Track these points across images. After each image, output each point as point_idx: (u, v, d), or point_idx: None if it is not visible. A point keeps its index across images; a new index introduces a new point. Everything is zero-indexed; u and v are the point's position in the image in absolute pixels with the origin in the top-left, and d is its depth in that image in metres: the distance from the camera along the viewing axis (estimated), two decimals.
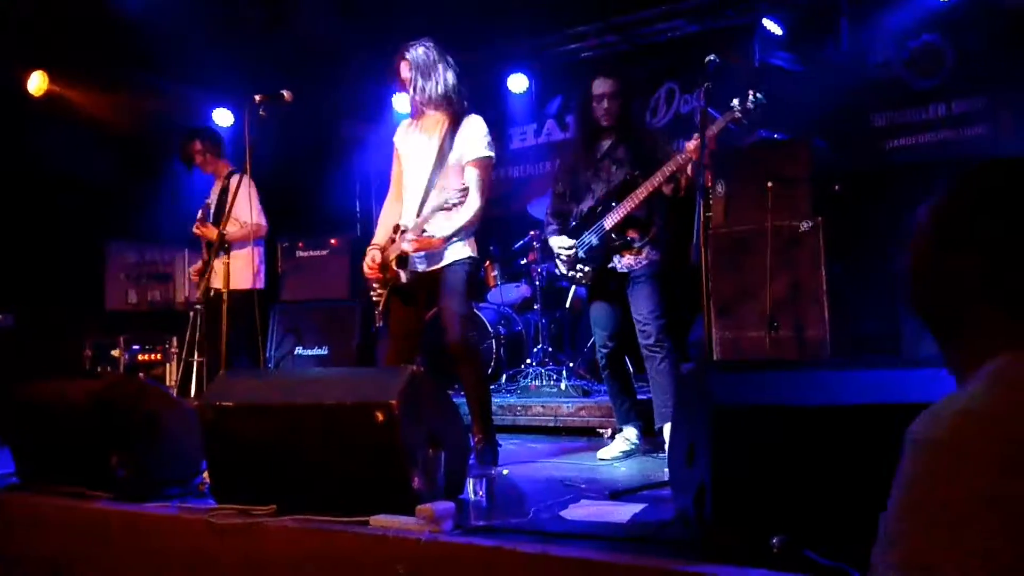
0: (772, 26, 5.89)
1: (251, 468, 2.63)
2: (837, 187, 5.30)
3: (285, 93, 3.63)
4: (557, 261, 4.03)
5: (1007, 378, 0.95)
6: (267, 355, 5.65)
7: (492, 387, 5.60)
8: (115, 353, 6.21)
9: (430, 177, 3.56)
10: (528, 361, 5.64)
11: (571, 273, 3.95)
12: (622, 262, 3.81)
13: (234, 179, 4.72)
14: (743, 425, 2.01)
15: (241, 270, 4.77)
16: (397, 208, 3.73)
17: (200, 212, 5.08)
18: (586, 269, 3.87)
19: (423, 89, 3.55)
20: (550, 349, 5.64)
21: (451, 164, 3.56)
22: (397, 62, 3.61)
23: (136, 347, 6.33)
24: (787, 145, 5.16)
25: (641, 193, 3.68)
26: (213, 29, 6.03)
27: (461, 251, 3.58)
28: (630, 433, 3.88)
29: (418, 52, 3.57)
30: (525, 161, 7.40)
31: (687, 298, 4.12)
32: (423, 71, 3.55)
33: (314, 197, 7.28)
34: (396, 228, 3.61)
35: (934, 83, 5.59)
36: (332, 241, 6.55)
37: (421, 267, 3.59)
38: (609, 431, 4.42)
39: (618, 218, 3.76)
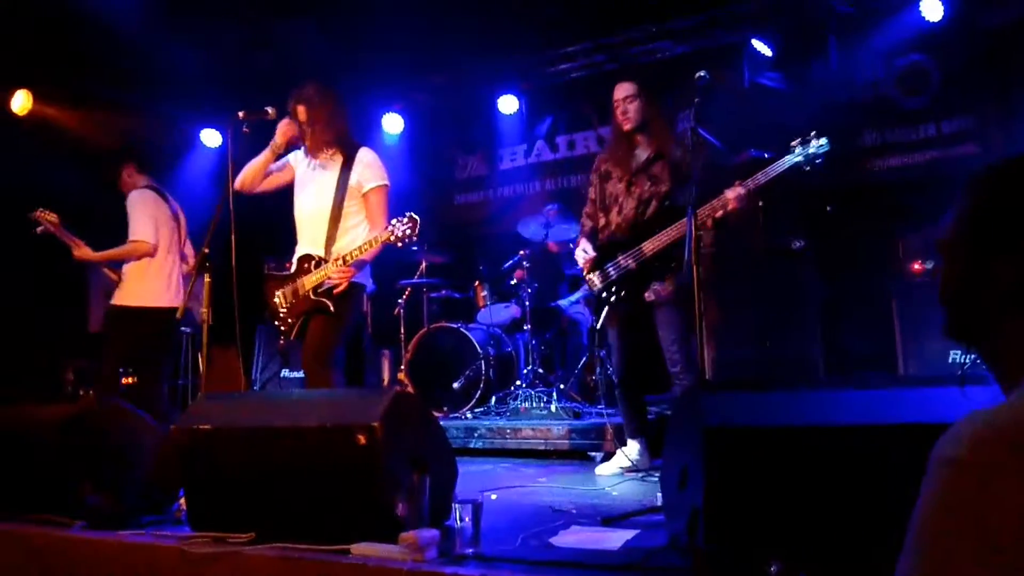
0: (761, 46, 5.90)
1: (229, 494, 2.54)
2: (829, 207, 5.29)
3: (269, 109, 3.58)
4: (590, 276, 3.93)
5: None
6: (253, 377, 5.55)
7: (481, 409, 5.54)
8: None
9: (332, 208, 3.64)
10: (518, 383, 5.56)
11: (604, 295, 3.87)
12: (654, 289, 3.75)
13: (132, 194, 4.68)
14: (736, 447, 1.94)
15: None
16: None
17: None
18: (622, 293, 3.80)
19: (321, 131, 3.66)
20: (540, 370, 5.57)
21: (350, 195, 3.65)
22: (292, 106, 3.70)
23: (120, 370, 6.20)
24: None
25: (678, 228, 3.62)
26: (200, 49, 6.00)
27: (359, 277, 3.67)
28: (632, 449, 3.85)
29: (312, 94, 3.67)
30: (515, 181, 7.37)
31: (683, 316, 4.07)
32: (319, 113, 3.65)
33: None
34: (306, 258, 3.68)
35: (922, 102, 5.60)
36: None
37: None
38: (601, 454, 4.33)
39: (659, 245, 3.69)
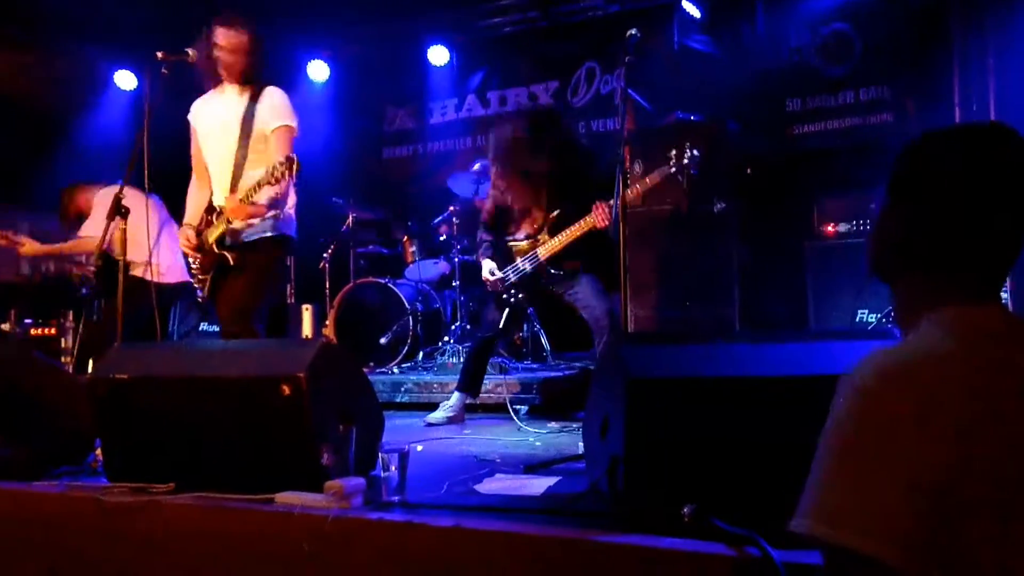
0: (691, 8, 5.96)
1: (148, 445, 2.49)
2: (749, 170, 5.43)
3: (190, 51, 3.44)
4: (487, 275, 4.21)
5: (954, 329, 1.00)
6: (170, 330, 5.40)
7: (408, 364, 5.54)
8: (5, 327, 5.84)
9: (236, 151, 3.49)
10: (446, 339, 5.57)
11: (505, 296, 4.16)
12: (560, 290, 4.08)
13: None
14: (656, 397, 2.01)
15: None
16: (204, 190, 3.65)
17: None
18: (519, 296, 4.13)
19: (238, 61, 3.49)
20: (468, 327, 5.59)
21: (256, 135, 3.48)
22: (212, 30, 3.51)
23: (28, 321, 5.96)
24: (702, 127, 5.24)
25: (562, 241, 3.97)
26: None
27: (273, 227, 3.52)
28: (454, 399, 4.16)
29: (236, 21, 3.52)
30: (446, 136, 7.30)
31: (604, 275, 4.17)
32: (240, 40, 3.49)
33: None
34: (211, 210, 3.54)
35: (844, 70, 5.77)
36: None
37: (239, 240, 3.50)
38: (526, 407, 4.42)
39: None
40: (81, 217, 4.81)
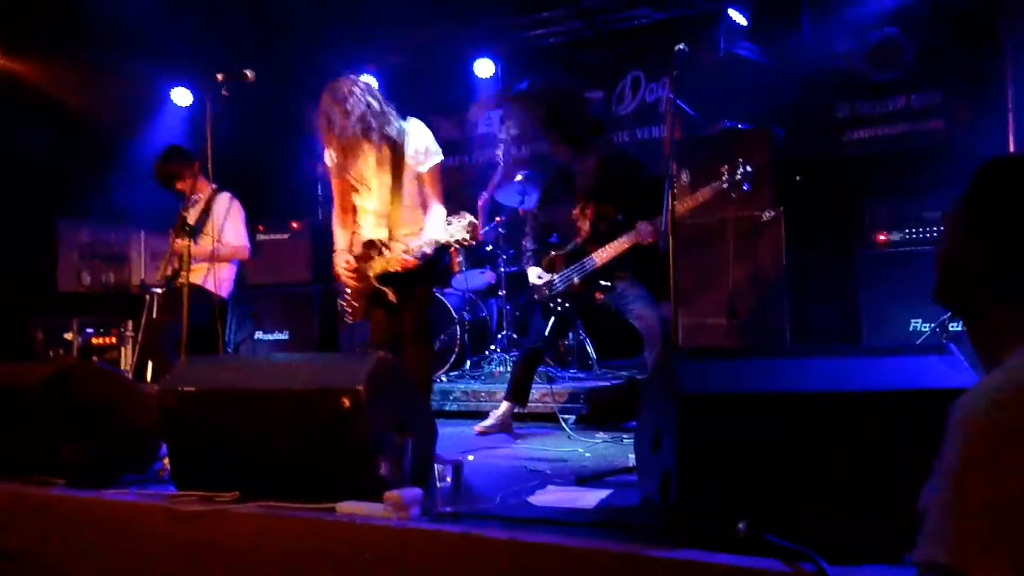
0: (737, 16, 5.93)
1: (213, 454, 2.59)
2: (799, 177, 5.39)
3: (248, 72, 3.56)
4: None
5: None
6: (226, 339, 5.55)
7: (456, 373, 5.61)
8: (68, 336, 6.06)
9: (389, 193, 3.49)
10: (492, 347, 5.64)
11: (551, 305, 4.18)
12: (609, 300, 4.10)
13: (220, 198, 4.74)
14: (709, 412, 2.03)
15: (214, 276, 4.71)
16: (349, 224, 3.69)
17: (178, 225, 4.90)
18: (566, 304, 4.14)
19: (355, 123, 3.35)
20: (514, 336, 5.64)
21: (407, 172, 3.49)
22: (325, 106, 3.38)
23: (90, 330, 6.18)
24: (750, 134, 5.22)
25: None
26: (171, 5, 5.88)
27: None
28: (503, 408, 4.19)
29: (343, 92, 3.36)
30: (491, 146, 7.35)
31: (650, 284, 4.19)
32: (349, 109, 3.34)
33: (275, 179, 7.16)
34: (371, 243, 3.56)
35: (894, 76, 5.69)
36: (293, 224, 6.45)
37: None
38: (573, 417, 4.45)
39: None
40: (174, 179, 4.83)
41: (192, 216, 4.67)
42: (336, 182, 3.65)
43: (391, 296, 3.49)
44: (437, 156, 3.53)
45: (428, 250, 3.40)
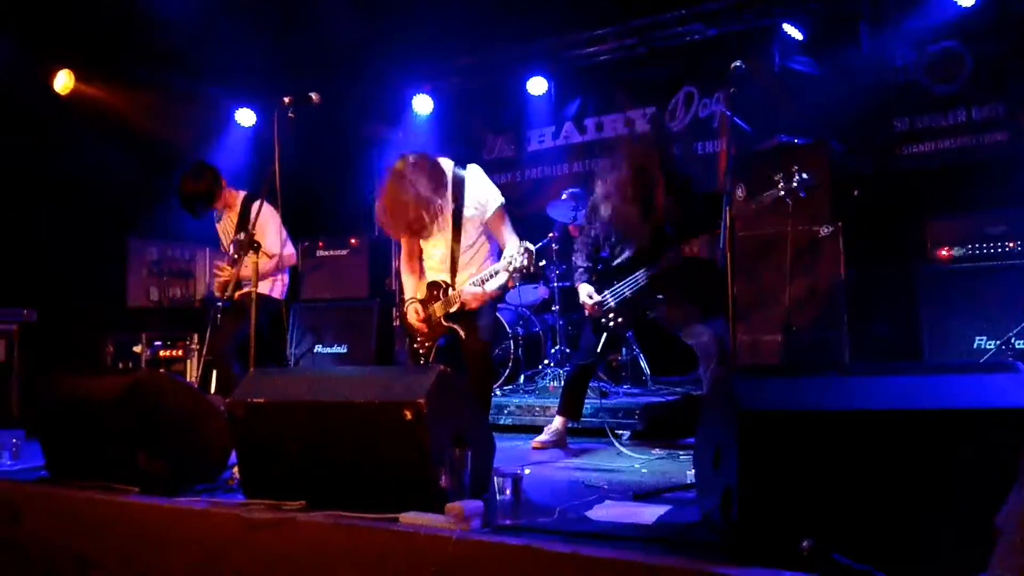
0: (792, 30, 5.90)
1: (281, 464, 2.68)
2: (857, 191, 5.32)
3: (313, 95, 3.68)
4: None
5: None
6: (288, 352, 5.70)
7: (510, 387, 5.66)
8: (137, 349, 6.29)
9: (451, 240, 3.70)
10: (546, 362, 5.67)
11: (603, 321, 4.18)
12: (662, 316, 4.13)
13: (254, 206, 4.64)
14: (769, 430, 2.04)
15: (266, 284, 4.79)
16: (416, 267, 3.93)
17: (224, 256, 4.95)
18: (618, 320, 4.15)
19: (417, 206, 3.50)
20: (567, 350, 5.67)
21: (471, 225, 3.70)
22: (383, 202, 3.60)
23: (158, 343, 6.40)
24: (806, 149, 5.17)
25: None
26: (234, 29, 6.09)
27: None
28: (556, 422, 4.24)
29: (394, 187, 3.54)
30: (544, 163, 7.42)
31: (703, 300, 4.18)
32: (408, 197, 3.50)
33: (334, 197, 7.35)
34: (435, 284, 3.79)
35: (954, 89, 5.59)
36: (352, 241, 6.60)
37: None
38: (628, 432, 4.45)
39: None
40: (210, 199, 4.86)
41: (234, 229, 4.79)
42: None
43: (461, 333, 3.68)
44: (496, 201, 3.70)
45: (494, 288, 3.59)
